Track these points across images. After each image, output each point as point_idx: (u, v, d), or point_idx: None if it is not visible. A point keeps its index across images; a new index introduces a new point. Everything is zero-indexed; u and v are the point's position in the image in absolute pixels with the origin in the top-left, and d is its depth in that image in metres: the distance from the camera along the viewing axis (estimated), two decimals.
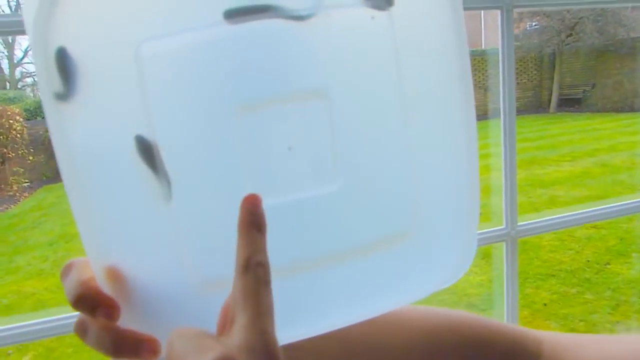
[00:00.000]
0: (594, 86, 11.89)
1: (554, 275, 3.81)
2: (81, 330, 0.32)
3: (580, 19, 11.52)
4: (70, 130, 0.31)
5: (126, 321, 0.32)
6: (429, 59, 0.36)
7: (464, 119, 0.37)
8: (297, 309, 0.35)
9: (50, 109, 0.30)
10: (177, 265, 0.33)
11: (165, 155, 0.31)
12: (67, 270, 0.33)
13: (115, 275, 0.32)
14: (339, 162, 0.34)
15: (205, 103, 0.31)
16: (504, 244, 0.97)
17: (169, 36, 0.30)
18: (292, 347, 0.36)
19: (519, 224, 0.95)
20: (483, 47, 16.26)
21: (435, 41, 0.36)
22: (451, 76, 0.36)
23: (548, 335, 0.49)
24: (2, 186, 7.05)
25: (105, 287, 0.32)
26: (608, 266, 3.87)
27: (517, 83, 12.52)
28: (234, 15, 0.31)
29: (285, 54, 0.32)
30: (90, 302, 0.31)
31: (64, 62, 0.29)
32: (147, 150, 0.31)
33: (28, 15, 0.29)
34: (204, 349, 0.26)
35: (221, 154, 0.32)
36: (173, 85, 0.31)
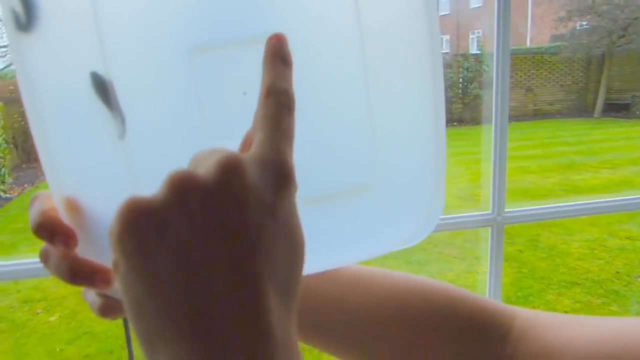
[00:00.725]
0: None
1: (579, 284, 3.66)
2: (44, 257, 0.34)
3: (635, 19, 11.00)
4: (31, 63, 0.31)
5: (83, 251, 0.33)
6: (391, 9, 0.36)
7: (430, 75, 0.37)
8: None
9: (13, 40, 0.31)
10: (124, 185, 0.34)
11: (120, 92, 0.32)
12: (32, 201, 0.35)
13: (73, 206, 0.33)
14: (296, 109, 0.33)
15: (160, 43, 0.32)
16: (489, 229, 0.93)
17: None
18: None
19: (506, 210, 0.91)
20: (528, 45, 15.80)
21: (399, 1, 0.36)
22: (416, 25, 0.36)
23: (526, 313, 0.48)
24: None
25: (65, 217, 0.33)
26: (638, 279, 3.69)
27: (561, 85, 12.13)
28: None
29: None
30: (49, 230, 0.33)
31: None
32: (101, 87, 0.32)
33: None
34: (216, 152, 0.27)
35: (174, 95, 0.33)
36: (128, 24, 0.32)
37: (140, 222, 0.25)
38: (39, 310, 3.68)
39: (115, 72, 0.31)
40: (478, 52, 13.53)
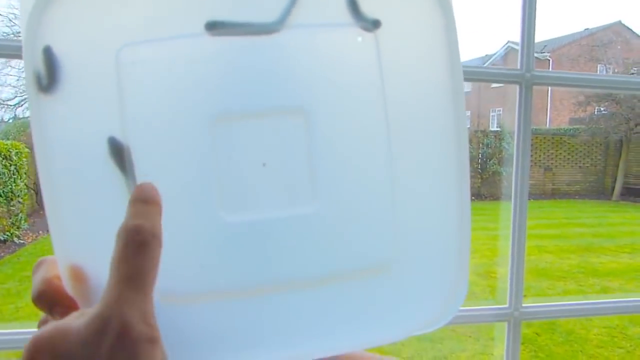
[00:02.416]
0: None
1: None
2: (41, 326, 0.32)
3: None
4: (48, 125, 0.31)
5: None
6: (416, 87, 0.35)
7: (455, 152, 0.35)
8: (258, 332, 0.34)
9: (33, 101, 0.31)
10: None
11: (136, 159, 0.31)
12: (36, 267, 0.33)
13: (77, 276, 0.31)
14: (316, 183, 0.33)
15: (180, 112, 0.31)
16: (506, 325, 0.92)
17: (150, 43, 0.31)
18: None
19: (524, 305, 0.90)
20: (547, 125, 15.99)
21: (424, 70, 0.35)
22: (442, 102, 0.35)
23: None
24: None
25: (68, 287, 0.31)
26: None
27: (580, 167, 12.15)
28: (216, 27, 0.31)
29: (265, 69, 0.32)
30: (49, 299, 0.31)
31: (49, 59, 0.30)
32: (118, 152, 0.31)
33: (23, 15, 0.31)
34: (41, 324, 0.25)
35: (192, 164, 0.32)
36: (150, 92, 0.31)
37: None
38: None
39: (133, 138, 0.31)
40: (498, 129, 13.74)
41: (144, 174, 0.31)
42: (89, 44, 0.31)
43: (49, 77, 0.30)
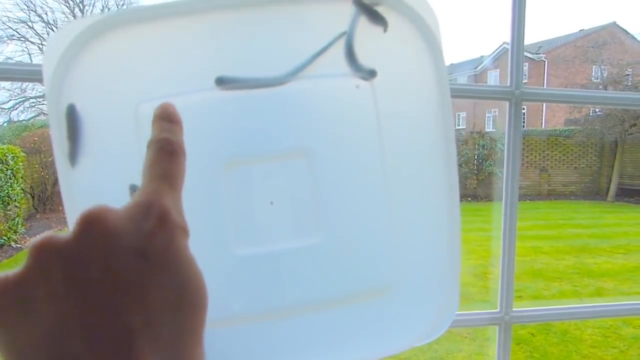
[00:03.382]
0: None
1: None
2: None
3: None
4: (76, 182, 0.34)
5: None
6: (410, 127, 0.38)
7: (446, 181, 0.39)
8: (270, 353, 0.37)
9: (60, 158, 0.34)
10: None
11: None
12: None
13: None
14: (320, 218, 0.37)
15: (195, 158, 0.33)
16: (497, 328, 0.96)
17: (165, 98, 0.33)
18: None
19: (514, 309, 0.93)
20: (543, 127, 16.05)
21: (417, 111, 0.38)
22: (433, 141, 0.39)
23: None
24: (60, 207, 7.39)
25: None
26: None
27: (575, 168, 12.20)
28: (224, 82, 0.34)
29: (271, 117, 0.36)
30: None
31: (72, 117, 0.33)
32: None
33: (46, 76, 0.33)
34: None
35: (207, 205, 0.35)
36: None
37: (1, 301, 0.23)
38: None
39: None
40: (494, 130, 13.78)
41: None
42: (111, 100, 0.34)
43: (72, 139, 0.33)
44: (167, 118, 0.30)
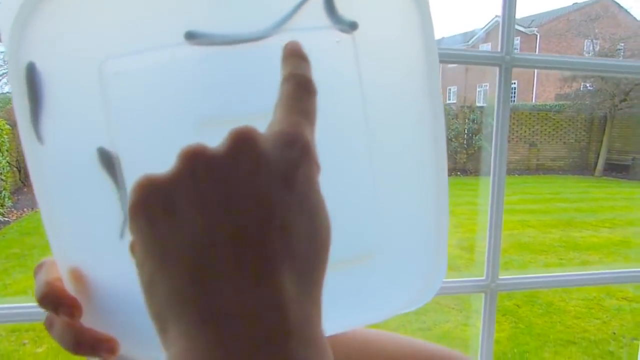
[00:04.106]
0: None
1: (575, 343, 3.66)
2: (49, 325, 0.34)
3: (636, 85, 11.27)
4: (41, 148, 0.32)
5: (88, 321, 0.33)
6: (395, 89, 0.36)
7: (433, 148, 0.37)
8: None
9: (22, 121, 0.32)
10: (135, 272, 0.31)
11: (125, 166, 0.32)
12: (37, 269, 0.34)
13: (78, 277, 0.33)
14: None
15: (166, 119, 0.32)
16: (483, 296, 0.97)
17: (132, 54, 0.31)
18: None
19: (500, 277, 0.94)
20: (533, 101, 16.07)
21: (402, 72, 0.36)
22: (419, 95, 0.37)
23: None
24: None
25: (69, 288, 0.33)
26: (635, 341, 3.69)
27: (564, 142, 12.28)
28: (195, 37, 0.32)
29: (247, 74, 0.33)
30: (53, 301, 0.32)
31: (32, 77, 0.31)
32: (108, 162, 0.32)
33: (3, 33, 0.31)
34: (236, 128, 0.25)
35: None
36: (135, 101, 0.32)
37: (150, 200, 0.24)
38: (25, 341, 3.45)
39: (121, 147, 0.32)
40: (484, 104, 13.78)
41: (133, 179, 0.33)
42: (72, 58, 0.32)
43: (33, 96, 0.31)
44: (299, 55, 0.30)
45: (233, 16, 0.33)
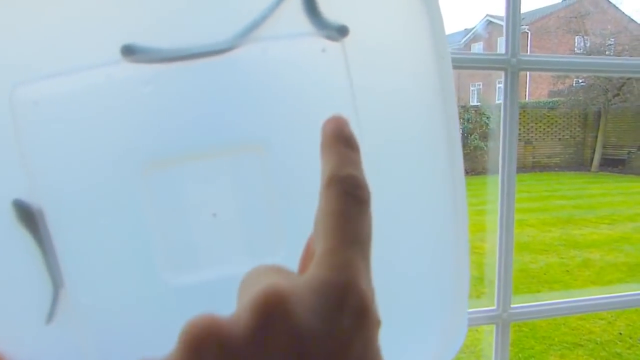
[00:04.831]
0: (639, 148, 11.52)
1: (581, 345, 3.60)
2: None
3: (628, 79, 11.31)
4: None
5: None
6: (398, 105, 0.29)
7: (448, 175, 0.31)
8: None
9: None
10: (70, 351, 0.26)
11: (51, 222, 0.25)
12: None
13: None
14: (280, 232, 0.27)
15: (103, 159, 0.25)
16: (494, 327, 0.89)
17: (53, 77, 0.24)
18: None
19: (513, 305, 0.87)
20: (527, 99, 16.12)
21: (406, 83, 0.29)
22: (429, 125, 0.30)
23: None
24: None
25: None
26: None
27: (559, 139, 12.31)
28: (135, 52, 0.24)
29: (207, 99, 0.26)
30: None
31: None
32: (28, 218, 0.25)
33: None
34: (259, 279, 0.20)
35: (125, 222, 0.26)
36: (59, 138, 0.25)
37: None
38: None
39: (45, 198, 0.25)
40: (478, 104, 13.81)
41: (63, 239, 0.25)
42: None
43: None
44: (346, 141, 0.24)
45: (186, 24, 0.25)
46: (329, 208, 0.21)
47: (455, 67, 0.78)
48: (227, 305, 0.27)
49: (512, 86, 0.77)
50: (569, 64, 0.82)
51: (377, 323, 0.20)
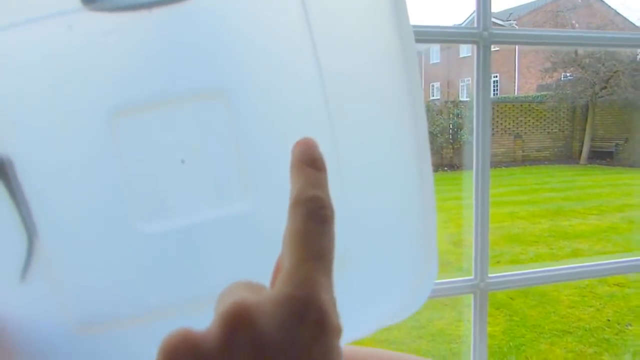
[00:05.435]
0: (626, 140, 11.64)
1: (571, 333, 3.64)
2: None
3: (615, 72, 11.43)
4: None
5: None
6: (360, 52, 0.30)
7: (412, 125, 0.31)
8: None
9: None
10: (45, 304, 0.27)
11: (21, 171, 0.25)
12: None
13: None
14: (246, 178, 0.28)
15: (68, 108, 0.26)
16: (472, 296, 0.92)
17: (14, 27, 0.25)
18: None
19: (489, 275, 0.89)
20: (516, 94, 16.22)
21: (367, 31, 0.30)
22: (391, 69, 0.30)
23: None
24: None
25: None
26: (630, 327, 3.68)
27: (548, 132, 12.41)
28: (95, 0, 0.25)
29: (170, 46, 0.26)
30: None
31: None
32: None
33: None
34: (231, 295, 0.22)
35: (93, 170, 0.27)
36: (25, 88, 0.25)
37: None
38: None
39: (13, 147, 0.25)
40: (468, 99, 13.88)
41: (33, 188, 0.26)
42: None
43: None
44: (311, 162, 0.25)
45: None
46: (294, 227, 0.23)
47: (428, 41, 0.79)
48: (199, 252, 0.29)
49: (485, 59, 0.79)
50: (536, 37, 0.84)
51: (338, 331, 0.22)
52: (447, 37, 0.81)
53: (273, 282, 0.26)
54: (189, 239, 0.28)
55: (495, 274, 0.90)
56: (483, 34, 0.77)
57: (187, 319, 0.28)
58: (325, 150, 0.29)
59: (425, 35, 0.75)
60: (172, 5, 0.26)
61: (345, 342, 0.34)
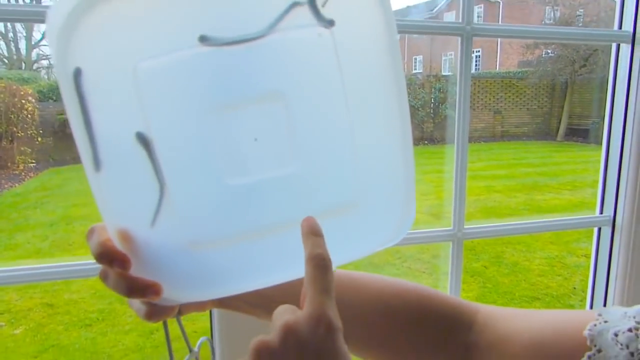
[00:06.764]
0: (603, 118, 11.84)
1: (539, 299, 3.86)
2: (104, 277, 0.43)
3: (595, 51, 11.54)
4: (92, 119, 0.39)
5: (136, 271, 0.42)
6: (365, 67, 0.45)
7: (398, 110, 0.46)
8: (259, 264, 0.46)
9: (73, 114, 0.39)
10: (170, 230, 0.42)
11: (158, 147, 0.40)
12: (90, 233, 0.43)
13: (125, 237, 0.41)
14: (295, 150, 0.44)
15: (188, 107, 0.40)
16: (450, 244, 1.04)
17: (159, 56, 0.39)
18: (261, 295, 0.47)
19: (466, 226, 1.02)
20: (497, 69, 16.27)
21: (370, 51, 0.45)
22: (384, 69, 0.45)
23: (485, 308, 0.57)
24: (9, 164, 7.13)
25: (119, 246, 0.41)
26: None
27: (528, 109, 12.49)
28: (206, 40, 0.40)
29: (251, 67, 0.41)
30: (108, 257, 0.41)
31: (79, 79, 0.38)
32: (145, 143, 0.40)
33: (51, 38, 0.37)
34: (282, 316, 0.37)
35: (201, 145, 0.41)
36: (163, 93, 0.40)
37: None
38: (2, 323, 3.54)
39: (154, 131, 0.40)
40: (450, 73, 13.88)
41: (166, 157, 0.41)
42: (112, 61, 0.39)
43: (80, 93, 0.38)
44: (313, 232, 0.41)
45: (236, 21, 0.41)
46: (310, 274, 0.39)
47: (416, 33, 0.89)
48: (266, 197, 0.44)
49: (467, 49, 0.89)
50: (512, 31, 0.94)
51: (339, 329, 0.37)
52: (433, 30, 0.91)
53: (302, 305, 0.40)
54: (259, 189, 0.43)
55: (470, 226, 1.03)
56: (466, 28, 0.87)
57: (259, 241, 0.44)
58: (343, 130, 0.44)
59: (414, 28, 0.85)
60: (254, 42, 0.41)
61: (351, 260, 0.48)
